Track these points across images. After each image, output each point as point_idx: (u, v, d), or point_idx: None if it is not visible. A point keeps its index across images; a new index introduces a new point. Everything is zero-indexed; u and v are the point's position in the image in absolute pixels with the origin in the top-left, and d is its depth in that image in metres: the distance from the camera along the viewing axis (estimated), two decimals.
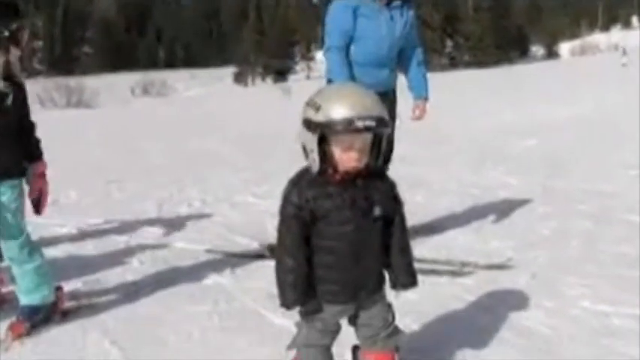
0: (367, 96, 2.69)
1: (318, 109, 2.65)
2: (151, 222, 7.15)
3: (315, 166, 2.71)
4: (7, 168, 4.00)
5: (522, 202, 7.36)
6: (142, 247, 6.11)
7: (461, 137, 13.90)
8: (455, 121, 16.76)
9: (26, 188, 4.17)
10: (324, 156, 2.68)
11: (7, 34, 3.98)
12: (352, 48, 5.36)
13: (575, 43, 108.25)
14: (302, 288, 2.81)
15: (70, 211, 7.74)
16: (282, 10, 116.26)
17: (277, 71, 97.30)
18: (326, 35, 5.47)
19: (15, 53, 4.07)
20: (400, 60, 5.64)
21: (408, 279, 3.01)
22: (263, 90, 61.02)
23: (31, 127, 4.22)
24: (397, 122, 5.12)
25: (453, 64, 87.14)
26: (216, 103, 35.26)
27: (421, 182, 8.59)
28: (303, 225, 2.78)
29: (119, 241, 6.39)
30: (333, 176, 2.73)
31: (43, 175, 4.20)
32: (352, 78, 5.21)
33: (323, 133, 2.63)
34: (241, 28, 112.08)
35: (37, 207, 4.23)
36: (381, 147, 2.76)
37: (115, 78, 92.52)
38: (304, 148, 2.74)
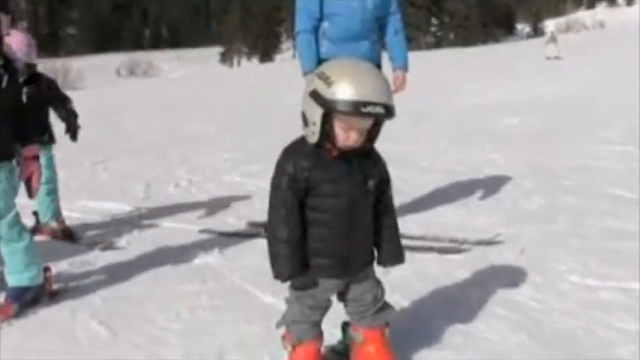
0: (378, 80, 2.71)
1: (329, 84, 2.65)
2: (137, 202, 7.15)
3: (314, 138, 2.74)
4: None
5: (508, 179, 7.38)
6: (129, 227, 6.09)
7: (446, 115, 13.93)
8: (440, 99, 16.80)
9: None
10: (324, 130, 2.71)
11: None
12: (326, 25, 5.33)
13: (561, 20, 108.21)
14: (297, 260, 2.82)
15: None
16: None
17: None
18: (295, 19, 5.46)
19: (5, 21, 3.99)
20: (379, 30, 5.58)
21: (396, 255, 3.06)
22: (249, 69, 60.82)
23: (24, 109, 4.18)
24: None
25: (439, 42, 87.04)
26: (203, 84, 35.11)
27: (407, 160, 8.59)
28: (298, 196, 2.80)
29: (106, 222, 6.38)
30: (329, 150, 2.77)
31: (34, 158, 4.15)
32: (319, 61, 5.12)
33: (329, 109, 2.65)
34: (227, 7, 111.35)
35: (29, 190, 4.20)
36: (378, 131, 2.84)
37: (101, 59, 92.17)
38: (304, 117, 2.77)
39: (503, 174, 7.66)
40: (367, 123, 2.74)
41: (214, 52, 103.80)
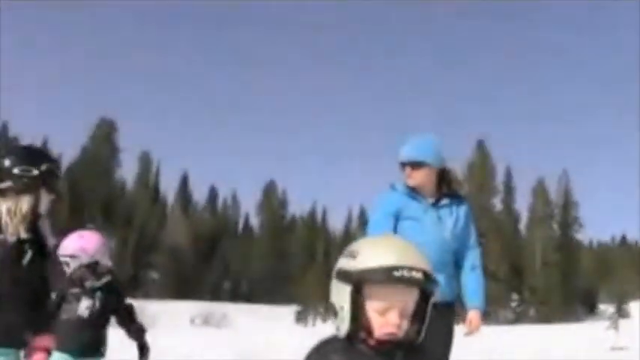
0: (411, 247, 2.21)
1: (355, 256, 2.17)
2: None
3: (345, 327, 2.15)
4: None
5: None
6: None
7: None
8: None
9: None
10: (355, 315, 2.13)
11: (35, 172, 3.62)
12: None
13: None
14: None
15: None
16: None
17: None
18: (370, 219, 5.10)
19: (46, 200, 3.69)
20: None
21: None
22: (323, 331, 60.39)
23: (45, 295, 3.74)
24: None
25: (518, 318, 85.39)
26: (273, 339, 34.84)
27: None
28: None
29: None
30: (365, 342, 2.15)
31: (45, 350, 3.62)
32: None
33: (358, 284, 2.12)
34: (308, 268, 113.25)
35: None
36: (426, 313, 2.18)
37: (177, 305, 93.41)
38: (334, 307, 2.20)
39: None
40: (407, 299, 2.15)
41: (290, 310, 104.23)
